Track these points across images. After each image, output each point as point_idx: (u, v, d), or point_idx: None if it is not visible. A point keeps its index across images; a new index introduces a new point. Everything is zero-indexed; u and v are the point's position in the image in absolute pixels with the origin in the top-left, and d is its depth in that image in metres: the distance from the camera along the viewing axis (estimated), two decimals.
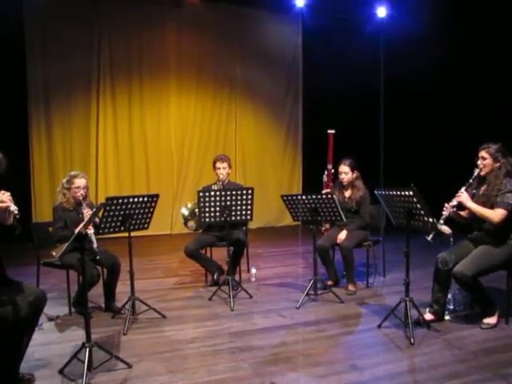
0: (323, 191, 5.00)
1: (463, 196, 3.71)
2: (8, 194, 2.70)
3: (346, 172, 4.87)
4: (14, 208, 2.65)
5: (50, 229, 4.35)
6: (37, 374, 3.04)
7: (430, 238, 3.63)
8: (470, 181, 3.77)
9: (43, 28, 7.50)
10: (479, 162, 3.77)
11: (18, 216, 2.69)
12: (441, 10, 6.97)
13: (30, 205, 7.60)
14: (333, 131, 5.37)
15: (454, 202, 3.74)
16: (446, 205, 3.76)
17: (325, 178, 5.31)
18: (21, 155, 7.46)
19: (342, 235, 4.74)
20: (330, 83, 8.31)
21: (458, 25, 7.33)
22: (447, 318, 3.92)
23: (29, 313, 2.71)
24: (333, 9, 8.02)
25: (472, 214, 3.74)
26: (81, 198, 4.09)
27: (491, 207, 3.64)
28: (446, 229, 3.74)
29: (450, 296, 4.04)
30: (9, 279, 2.88)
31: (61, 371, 3.07)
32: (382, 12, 8.08)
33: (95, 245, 3.94)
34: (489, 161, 3.73)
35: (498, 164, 3.72)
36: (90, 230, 3.83)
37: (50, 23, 7.51)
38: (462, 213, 3.89)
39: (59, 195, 4.23)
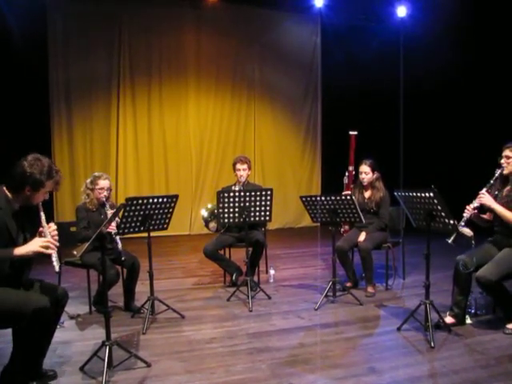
0: (343, 193, 4.96)
1: (485, 197, 3.60)
2: (54, 228, 2.74)
3: (366, 172, 4.83)
4: (54, 259, 2.67)
5: (72, 229, 4.43)
6: (58, 370, 3.09)
7: (450, 240, 3.56)
8: (491, 181, 3.67)
9: (65, 29, 7.64)
10: (503, 161, 3.66)
11: (57, 268, 2.70)
12: (460, 8, 6.87)
13: (52, 205, 7.73)
14: (355, 132, 5.23)
15: (476, 204, 3.64)
16: (468, 207, 3.67)
17: (345, 180, 5.20)
18: (43, 155, 7.59)
19: (362, 237, 4.71)
20: (349, 84, 8.26)
21: (477, 23, 7.22)
22: (469, 321, 3.85)
23: (51, 310, 2.75)
24: (352, 9, 7.98)
25: (494, 215, 3.66)
26: (104, 199, 4.17)
27: None
28: (467, 231, 3.66)
29: (471, 300, 3.96)
30: (27, 282, 2.93)
31: (81, 368, 3.12)
32: (401, 11, 8.01)
33: (120, 245, 4.00)
34: None
35: None
36: (114, 230, 3.87)
37: (71, 25, 7.65)
38: (484, 216, 3.81)
39: (83, 195, 4.31)
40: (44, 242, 2.65)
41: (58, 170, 2.85)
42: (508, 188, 3.68)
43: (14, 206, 2.77)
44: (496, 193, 3.73)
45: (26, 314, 2.58)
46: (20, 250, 2.63)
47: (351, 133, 5.23)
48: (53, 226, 2.77)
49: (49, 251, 2.65)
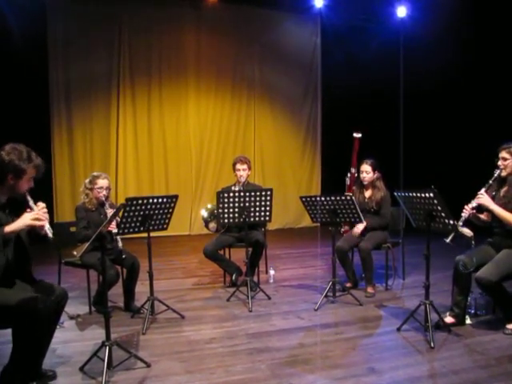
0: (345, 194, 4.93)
1: (484, 198, 3.59)
2: (42, 205, 2.74)
3: (367, 171, 4.82)
4: (48, 229, 2.68)
5: (72, 228, 4.43)
6: (58, 370, 3.09)
7: (448, 240, 3.55)
8: (490, 182, 3.65)
9: (65, 30, 7.65)
10: (499, 163, 3.66)
11: (51, 235, 2.71)
12: (460, 8, 6.87)
13: (52, 204, 7.73)
14: (359, 135, 5.06)
15: (474, 204, 3.63)
16: (466, 207, 3.66)
17: (347, 181, 5.13)
18: (43, 155, 7.57)
19: (361, 226, 4.66)
20: (349, 84, 8.26)
21: (477, 23, 7.23)
22: (468, 322, 3.85)
23: (51, 310, 2.76)
24: (352, 9, 7.98)
25: (493, 216, 3.65)
26: (103, 198, 4.17)
27: None
28: (467, 231, 3.66)
29: (471, 300, 3.96)
30: (33, 279, 2.94)
31: (81, 369, 3.12)
32: (401, 12, 8.01)
33: (120, 244, 4.00)
34: (510, 161, 3.63)
35: None
36: (114, 230, 3.88)
37: (71, 25, 7.65)
38: (482, 215, 3.80)
39: (82, 195, 4.31)
40: (34, 214, 2.65)
41: (37, 155, 2.83)
42: (505, 189, 3.67)
43: (0, 200, 2.76)
44: (494, 193, 3.72)
45: (28, 315, 2.59)
46: (11, 227, 2.63)
47: (355, 135, 5.08)
48: (41, 204, 2.76)
49: (40, 223, 2.65)
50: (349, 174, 5.13)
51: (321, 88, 9.29)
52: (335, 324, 3.97)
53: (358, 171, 5.01)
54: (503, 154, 3.66)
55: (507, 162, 3.64)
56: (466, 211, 3.63)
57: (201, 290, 5.04)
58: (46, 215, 2.72)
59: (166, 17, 8.12)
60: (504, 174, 3.66)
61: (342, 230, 5.19)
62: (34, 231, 2.75)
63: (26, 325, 2.62)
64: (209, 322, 4.04)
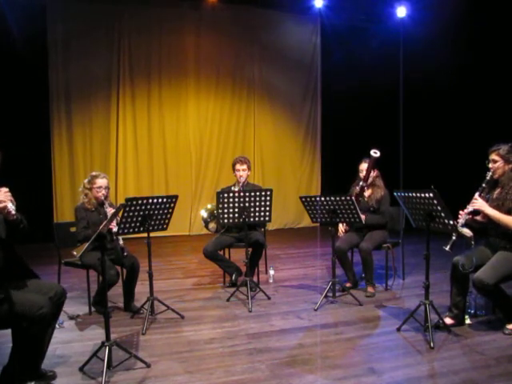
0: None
1: (479, 203, 3.58)
2: (6, 189, 2.75)
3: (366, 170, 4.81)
4: (11, 207, 2.70)
5: (72, 229, 4.43)
6: (58, 370, 3.09)
7: (447, 247, 3.56)
8: (483, 185, 3.65)
9: (65, 30, 7.65)
10: (490, 165, 3.65)
11: (15, 216, 2.73)
12: (459, 9, 6.88)
13: (52, 205, 7.73)
14: (377, 155, 4.65)
15: (470, 209, 3.62)
16: (461, 212, 3.65)
17: (357, 190, 4.92)
18: (42, 156, 7.62)
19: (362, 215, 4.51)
20: (349, 84, 8.27)
21: (477, 24, 7.23)
22: (468, 322, 3.85)
23: (50, 309, 2.76)
24: (352, 9, 7.99)
25: (488, 218, 3.64)
26: (102, 198, 4.17)
27: (507, 212, 3.53)
28: (466, 231, 3.65)
29: (470, 300, 3.96)
30: (28, 271, 2.94)
31: (81, 369, 3.12)
32: (401, 12, 8.02)
33: (121, 241, 4.00)
34: (500, 163, 3.61)
35: (510, 165, 3.61)
36: (115, 228, 3.87)
37: (71, 25, 7.66)
38: (478, 217, 3.79)
39: (81, 195, 4.30)
40: None
41: None
42: (498, 191, 3.66)
43: None
44: (487, 196, 3.71)
45: (28, 316, 2.60)
46: None
47: (373, 154, 4.66)
48: (4, 188, 2.75)
49: (2, 205, 2.66)
50: (360, 183, 4.76)
51: (321, 88, 9.28)
52: (335, 324, 3.97)
53: (356, 168, 4.95)
54: (493, 156, 3.65)
55: (497, 164, 3.62)
56: (461, 216, 3.63)
57: (201, 290, 5.04)
58: (10, 198, 2.72)
59: (166, 17, 8.13)
60: (496, 176, 3.66)
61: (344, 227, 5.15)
62: (9, 225, 2.76)
63: (26, 325, 2.63)
64: (208, 322, 4.04)
